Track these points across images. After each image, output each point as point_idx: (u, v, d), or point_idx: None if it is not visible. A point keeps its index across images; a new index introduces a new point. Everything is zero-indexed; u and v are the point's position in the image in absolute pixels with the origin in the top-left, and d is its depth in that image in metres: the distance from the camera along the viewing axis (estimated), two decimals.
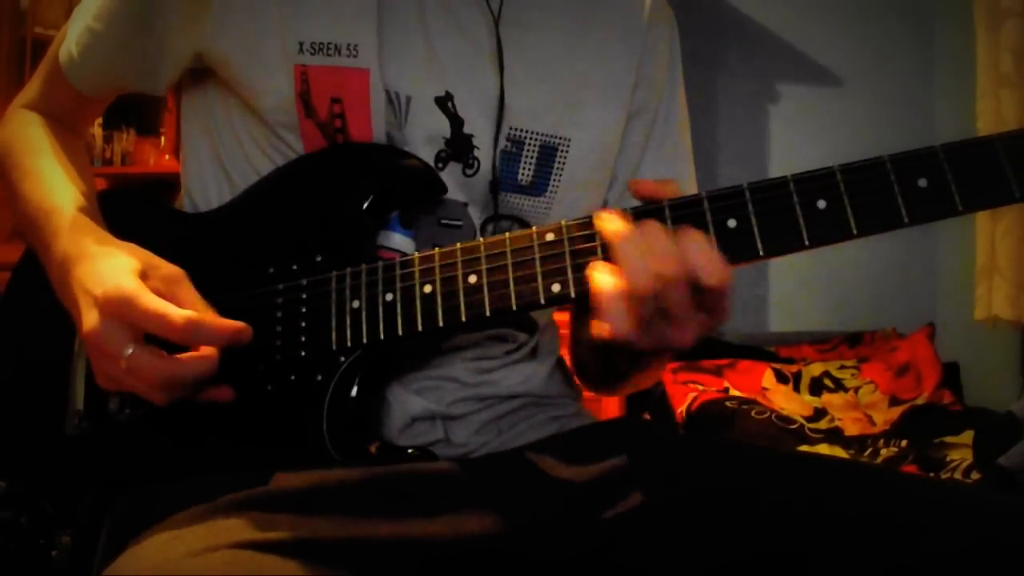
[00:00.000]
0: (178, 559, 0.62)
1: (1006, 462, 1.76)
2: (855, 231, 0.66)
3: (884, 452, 2.32)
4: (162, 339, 0.72)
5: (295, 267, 0.81)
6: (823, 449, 2.32)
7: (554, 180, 0.89)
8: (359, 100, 0.82)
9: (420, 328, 0.74)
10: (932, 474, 2.13)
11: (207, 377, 0.74)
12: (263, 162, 0.86)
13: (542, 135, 0.88)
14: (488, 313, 0.72)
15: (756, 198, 0.67)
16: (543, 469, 0.78)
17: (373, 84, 0.82)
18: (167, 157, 2.93)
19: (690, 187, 0.98)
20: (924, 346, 2.74)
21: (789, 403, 2.57)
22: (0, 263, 1.09)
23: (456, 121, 0.85)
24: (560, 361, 0.96)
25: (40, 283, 0.84)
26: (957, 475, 2.11)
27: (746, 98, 3.12)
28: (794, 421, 2.45)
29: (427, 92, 0.84)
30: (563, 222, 0.72)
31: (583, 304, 0.69)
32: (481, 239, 0.74)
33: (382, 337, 0.75)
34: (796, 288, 2.99)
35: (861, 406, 2.58)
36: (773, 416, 2.42)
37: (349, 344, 0.76)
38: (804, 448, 2.28)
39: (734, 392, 2.57)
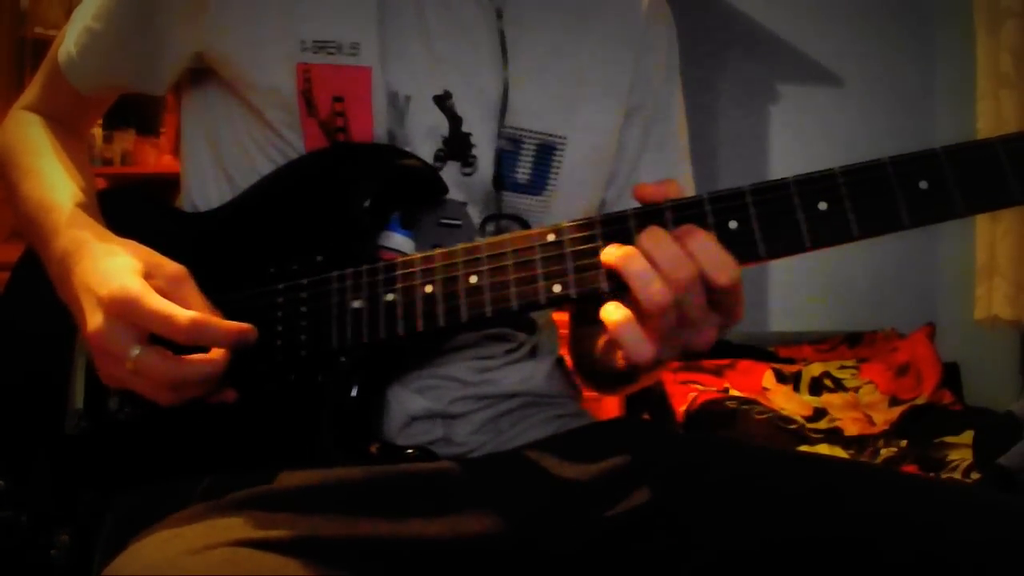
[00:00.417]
0: (177, 557, 0.62)
1: (1006, 462, 1.76)
2: (856, 233, 0.66)
3: (884, 452, 2.32)
4: (167, 340, 0.72)
5: (296, 267, 0.81)
6: (823, 449, 2.32)
7: (552, 179, 0.89)
8: (360, 99, 0.82)
9: (421, 328, 0.74)
10: (932, 474, 2.13)
11: (214, 378, 0.74)
12: (263, 162, 0.86)
13: (540, 134, 0.88)
14: (489, 313, 0.72)
15: (757, 200, 0.67)
16: (543, 468, 0.78)
17: (375, 83, 0.82)
18: (167, 157, 2.93)
19: (687, 186, 0.98)
20: (924, 346, 2.74)
21: (789, 403, 2.57)
22: (0, 263, 1.09)
23: (454, 120, 0.85)
24: (560, 360, 0.96)
25: (40, 283, 0.84)
26: (957, 475, 2.11)
27: (746, 98, 3.12)
28: (794, 421, 2.45)
29: (426, 91, 0.84)
30: (564, 223, 0.72)
31: (583, 305, 0.69)
32: (482, 240, 0.74)
33: (383, 337, 0.75)
34: (796, 288, 2.98)
35: (861, 406, 2.58)
36: (773, 416, 2.42)
37: (350, 344, 0.76)
38: (804, 448, 2.28)
39: (734, 392, 2.57)
